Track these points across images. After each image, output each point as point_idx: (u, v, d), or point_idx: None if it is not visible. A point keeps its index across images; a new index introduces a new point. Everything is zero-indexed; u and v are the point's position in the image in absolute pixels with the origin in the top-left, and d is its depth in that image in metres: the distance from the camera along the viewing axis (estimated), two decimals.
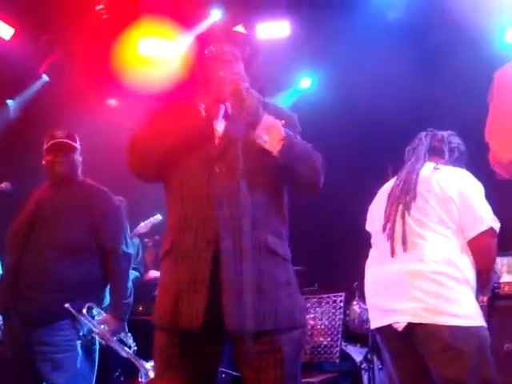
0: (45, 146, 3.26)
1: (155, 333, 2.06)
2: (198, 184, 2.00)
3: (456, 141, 2.79)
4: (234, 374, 4.28)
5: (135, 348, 3.22)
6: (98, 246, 3.18)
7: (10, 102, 6.26)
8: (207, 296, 1.92)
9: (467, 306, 2.46)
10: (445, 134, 2.80)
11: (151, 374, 3.14)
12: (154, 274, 4.95)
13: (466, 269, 2.49)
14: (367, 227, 2.89)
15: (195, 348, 1.97)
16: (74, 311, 3.01)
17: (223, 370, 4.29)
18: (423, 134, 2.85)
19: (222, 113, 2.11)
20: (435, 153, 2.75)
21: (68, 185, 3.26)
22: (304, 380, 4.08)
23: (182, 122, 2.04)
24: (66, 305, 3.00)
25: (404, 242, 2.53)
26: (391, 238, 2.58)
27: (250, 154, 1.99)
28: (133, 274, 4.57)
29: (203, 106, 2.02)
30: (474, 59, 5.18)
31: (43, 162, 3.28)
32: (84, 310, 3.04)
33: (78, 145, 3.29)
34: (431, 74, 5.56)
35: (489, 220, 2.52)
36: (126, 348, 3.18)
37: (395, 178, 2.80)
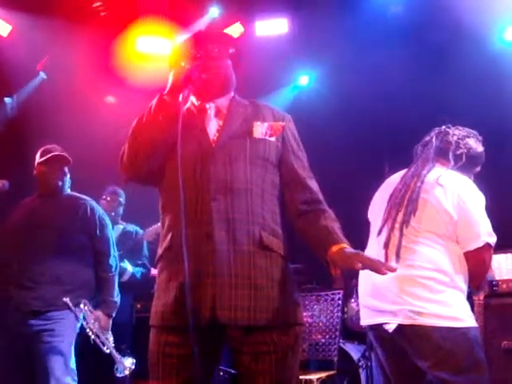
0: (41, 159, 3.42)
1: (152, 331, 2.02)
2: (193, 178, 1.98)
3: (467, 146, 2.71)
4: (233, 371, 4.28)
5: (113, 345, 3.45)
6: (91, 247, 3.45)
7: (7, 99, 6.24)
8: (213, 290, 1.90)
9: (456, 307, 2.47)
10: (456, 136, 2.73)
11: (127, 372, 3.43)
12: (153, 271, 4.94)
13: (456, 275, 2.50)
14: (368, 216, 2.89)
15: (194, 345, 1.91)
16: (71, 304, 3.27)
17: (222, 368, 4.29)
18: (436, 131, 2.80)
19: (213, 110, 2.10)
20: (442, 155, 2.72)
21: (58, 196, 3.49)
22: (302, 378, 4.09)
23: (151, 114, 2.00)
24: (65, 299, 3.26)
25: (398, 255, 2.55)
26: (386, 246, 2.60)
27: (248, 150, 2.01)
28: (139, 270, 4.61)
29: (165, 95, 1.98)
30: (473, 57, 5.18)
31: (35, 172, 3.46)
32: (81, 305, 3.31)
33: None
34: (430, 72, 5.55)
35: (485, 236, 2.52)
36: (108, 344, 3.41)
37: (402, 172, 2.79)
